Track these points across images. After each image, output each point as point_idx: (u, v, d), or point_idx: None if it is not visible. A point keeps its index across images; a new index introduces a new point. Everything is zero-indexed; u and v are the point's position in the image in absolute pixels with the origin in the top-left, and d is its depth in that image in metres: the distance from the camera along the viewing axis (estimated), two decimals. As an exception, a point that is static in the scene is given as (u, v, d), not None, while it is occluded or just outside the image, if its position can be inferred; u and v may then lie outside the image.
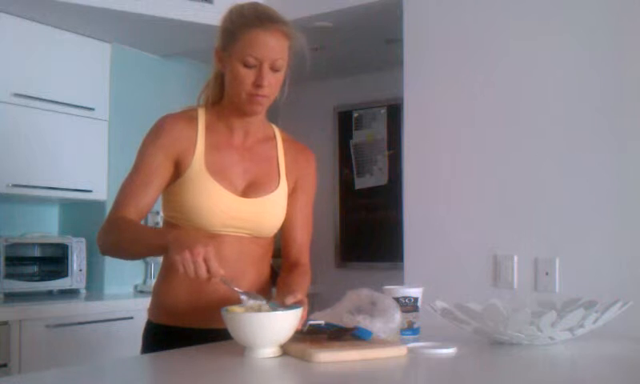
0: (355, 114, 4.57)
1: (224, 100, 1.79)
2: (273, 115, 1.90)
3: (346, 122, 4.61)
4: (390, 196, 4.30)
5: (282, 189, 1.82)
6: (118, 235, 1.69)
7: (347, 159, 4.58)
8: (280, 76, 1.73)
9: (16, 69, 3.25)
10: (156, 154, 1.73)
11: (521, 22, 2.72)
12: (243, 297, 1.53)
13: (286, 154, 1.86)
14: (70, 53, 3.48)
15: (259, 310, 1.50)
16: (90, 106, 3.53)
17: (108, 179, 3.57)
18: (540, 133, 2.65)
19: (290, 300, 1.55)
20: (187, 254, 1.46)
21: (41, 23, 3.34)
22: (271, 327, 1.44)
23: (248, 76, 1.68)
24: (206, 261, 1.47)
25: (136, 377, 1.40)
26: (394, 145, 4.31)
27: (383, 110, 4.44)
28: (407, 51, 2.99)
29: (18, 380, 1.62)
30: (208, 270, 1.47)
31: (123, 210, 1.70)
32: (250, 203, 1.75)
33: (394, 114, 4.28)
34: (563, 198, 2.59)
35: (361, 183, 4.53)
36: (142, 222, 1.75)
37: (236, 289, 1.55)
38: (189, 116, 1.79)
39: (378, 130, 4.47)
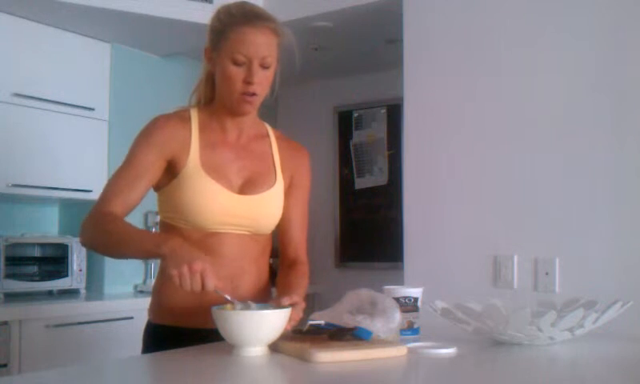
0: (355, 114, 4.57)
1: (216, 99, 1.80)
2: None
3: (345, 122, 4.60)
4: (390, 196, 4.30)
5: (279, 185, 1.82)
6: (105, 232, 1.67)
7: (347, 159, 4.58)
8: (270, 73, 1.73)
9: (16, 69, 3.25)
10: (147, 151, 1.73)
11: (521, 22, 2.72)
12: (238, 305, 1.53)
13: (280, 151, 1.86)
14: (70, 53, 3.48)
15: (248, 309, 1.50)
16: (90, 106, 3.53)
17: (108, 179, 3.56)
18: (540, 133, 2.65)
19: (285, 301, 1.55)
20: (185, 270, 1.48)
21: (41, 23, 3.34)
22: (256, 326, 1.44)
23: (238, 74, 1.69)
24: (203, 277, 1.49)
25: (136, 377, 1.40)
26: (393, 145, 4.32)
27: (383, 110, 4.44)
28: (407, 51, 2.99)
29: (18, 380, 1.62)
30: (203, 285, 1.49)
31: (110, 205, 1.70)
32: (247, 200, 1.76)
33: (394, 114, 4.28)
34: (563, 198, 2.59)
35: (361, 183, 4.53)
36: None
37: (227, 297, 1.54)
38: (182, 116, 1.79)
39: (378, 130, 4.47)
